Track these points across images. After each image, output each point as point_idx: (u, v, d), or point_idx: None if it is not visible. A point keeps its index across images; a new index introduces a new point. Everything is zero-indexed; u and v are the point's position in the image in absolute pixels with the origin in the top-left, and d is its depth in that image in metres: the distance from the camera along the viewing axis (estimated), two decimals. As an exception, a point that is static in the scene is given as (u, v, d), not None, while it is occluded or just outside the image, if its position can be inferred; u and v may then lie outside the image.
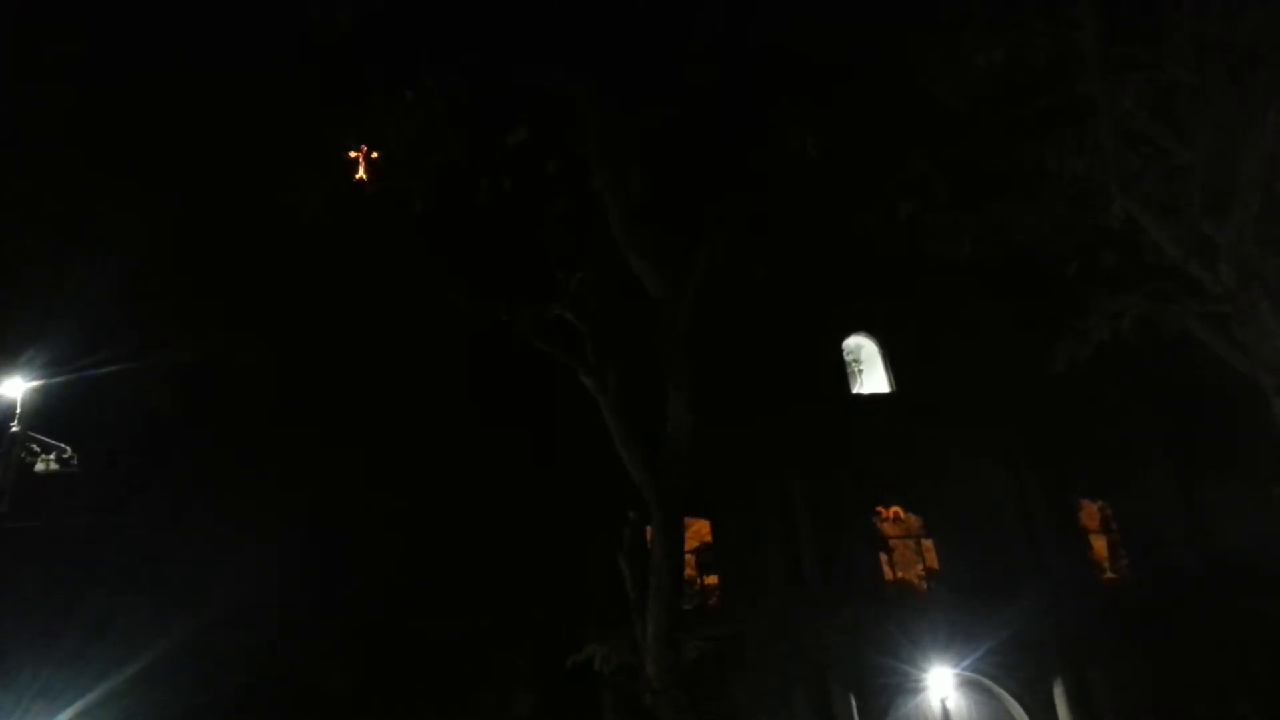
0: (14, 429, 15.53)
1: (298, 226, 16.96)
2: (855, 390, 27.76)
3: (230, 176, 19.74)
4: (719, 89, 15.99)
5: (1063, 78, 14.07)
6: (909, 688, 23.40)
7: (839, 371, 27.75)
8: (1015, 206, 15.13)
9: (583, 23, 15.65)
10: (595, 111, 16.09)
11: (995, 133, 14.94)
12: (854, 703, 22.81)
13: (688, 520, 18.39)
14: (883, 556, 25.60)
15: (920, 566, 25.69)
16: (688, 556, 20.49)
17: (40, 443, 16.35)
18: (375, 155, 18.44)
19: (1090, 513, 26.77)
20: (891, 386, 27.58)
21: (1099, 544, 26.47)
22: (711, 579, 24.85)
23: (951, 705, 23.53)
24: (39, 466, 17.21)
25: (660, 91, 16.14)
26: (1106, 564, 26.32)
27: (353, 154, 19.21)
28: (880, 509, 26.10)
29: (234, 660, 19.51)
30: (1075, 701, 23.23)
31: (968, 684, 23.75)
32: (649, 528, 16.20)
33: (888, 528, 26.11)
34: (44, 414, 16.29)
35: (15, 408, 15.57)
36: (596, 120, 16.08)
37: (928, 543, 25.86)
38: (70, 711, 18.36)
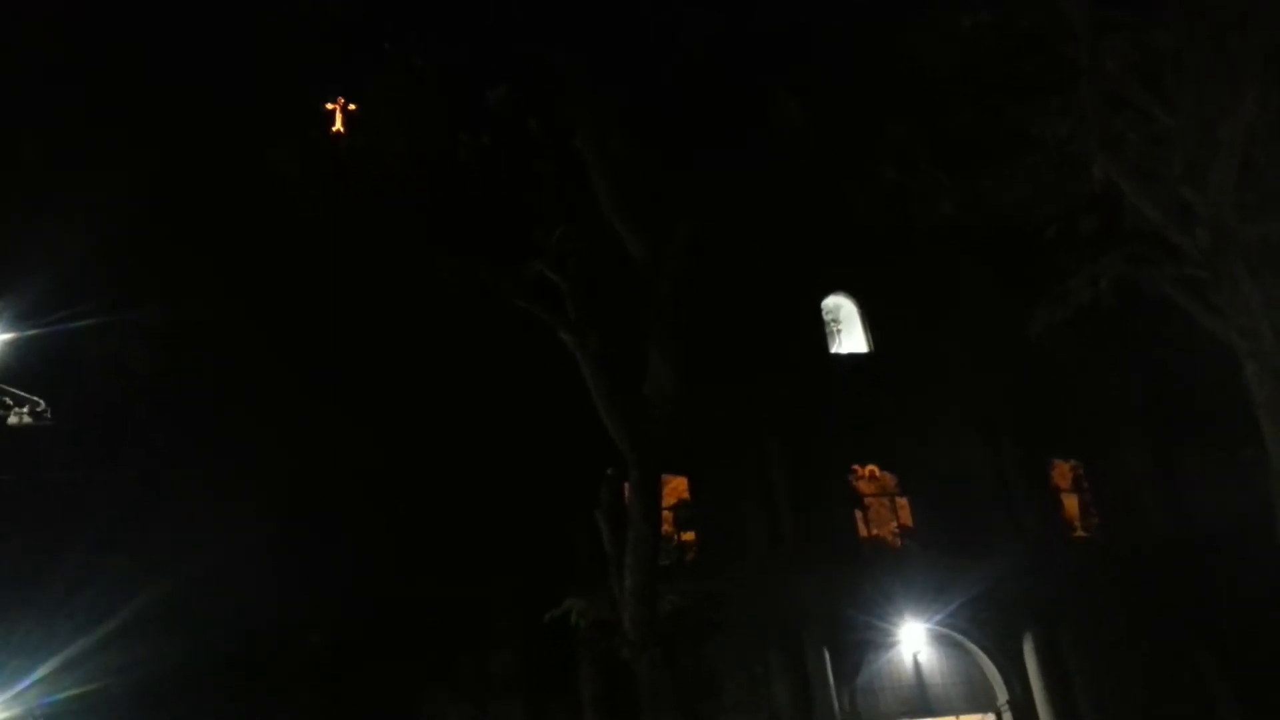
0: (-13, 382, 15.41)
1: (277, 183, 16.75)
2: (833, 350, 27.84)
3: (209, 131, 19.45)
4: (709, 56, 15.86)
5: (1047, 41, 14.02)
6: (882, 643, 23.76)
7: (818, 331, 27.80)
8: (997, 171, 15.13)
9: None
10: (580, 79, 15.91)
11: (979, 97, 14.90)
12: (827, 657, 23.16)
13: (666, 477, 18.50)
14: (858, 514, 25.86)
15: (894, 524, 25.98)
16: (665, 513, 20.67)
17: (13, 395, 16.22)
18: (353, 108, 18.21)
19: (1063, 472, 27.09)
20: (870, 346, 27.69)
21: (1070, 503, 26.80)
22: (689, 535, 25.05)
23: (923, 660, 23.99)
24: (12, 420, 17.07)
25: (650, 57, 16.01)
26: (1078, 523, 26.69)
27: (329, 106, 18.97)
28: (856, 467, 26.31)
29: (214, 620, 19.51)
30: (1044, 657, 23.66)
31: (939, 639, 24.14)
32: (627, 484, 16.27)
33: (863, 485, 26.35)
34: (17, 367, 16.14)
35: (-12, 360, 15.43)
36: (581, 87, 15.90)
37: (902, 500, 26.13)
38: (48, 666, 18.32)
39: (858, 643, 23.59)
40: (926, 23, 14.30)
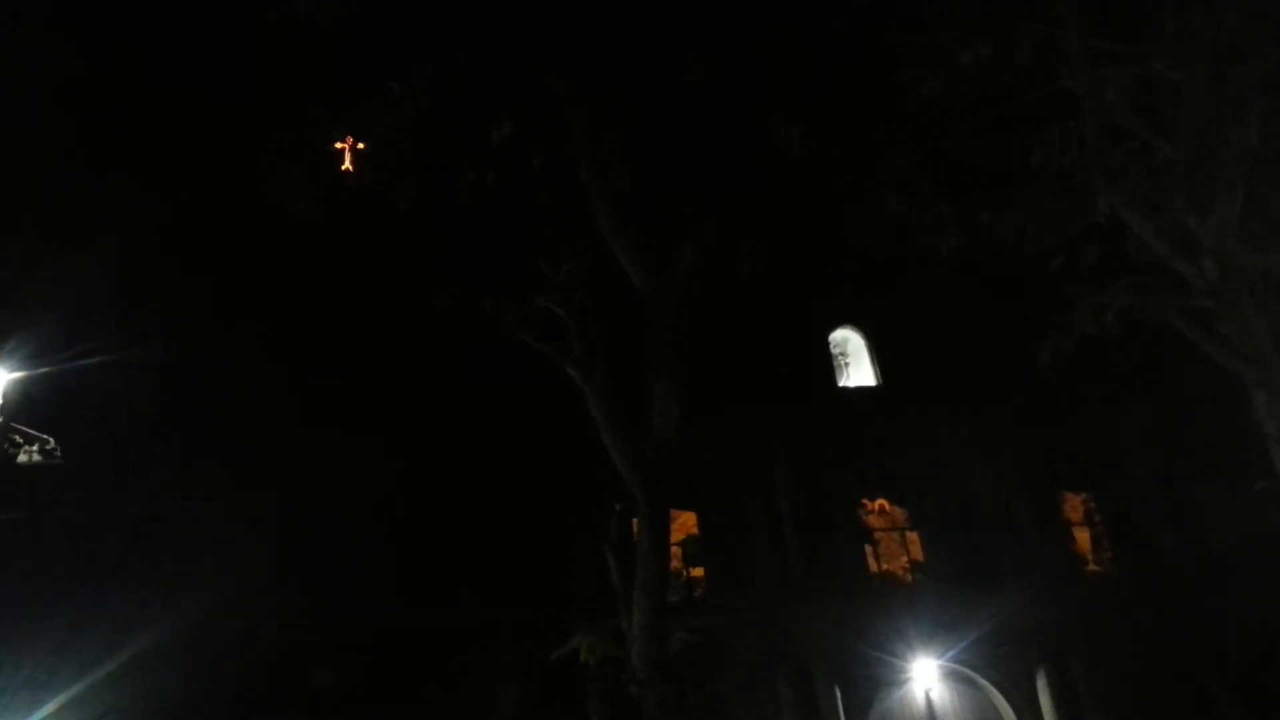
0: (-4, 420, 15.48)
1: (283, 219, 16.90)
2: (841, 383, 27.83)
3: (215, 169, 19.66)
4: (705, 85, 16.02)
5: (1047, 73, 14.12)
6: (893, 680, 23.52)
7: (825, 364, 27.81)
8: (1000, 202, 15.16)
9: (569, 20, 15.66)
10: (580, 108, 16.08)
11: (980, 128, 14.99)
12: (838, 695, 22.93)
13: (674, 512, 18.42)
14: (868, 549, 25.70)
15: (905, 559, 25.80)
16: (674, 548, 20.56)
17: (23, 434, 16.30)
18: (361, 147, 18.40)
19: (1074, 505, 26.91)
20: (877, 380, 27.66)
21: (1082, 537, 26.61)
22: (697, 571, 24.91)
23: (935, 697, 23.69)
24: (21, 458, 17.16)
25: (645, 88, 16.15)
26: (1089, 557, 26.46)
27: (338, 145, 19.18)
28: (865, 501, 26.19)
29: (219, 653, 19.48)
30: (1058, 693, 23.40)
31: (951, 676, 23.89)
32: (635, 519, 16.21)
33: (873, 520, 26.20)
34: (26, 405, 16.22)
35: (-3, 399, 15.50)
36: (582, 117, 16.07)
37: (912, 535, 25.96)
38: (55, 703, 18.29)
39: (869, 679, 23.35)
40: (926, 56, 14.41)
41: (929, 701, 23.58)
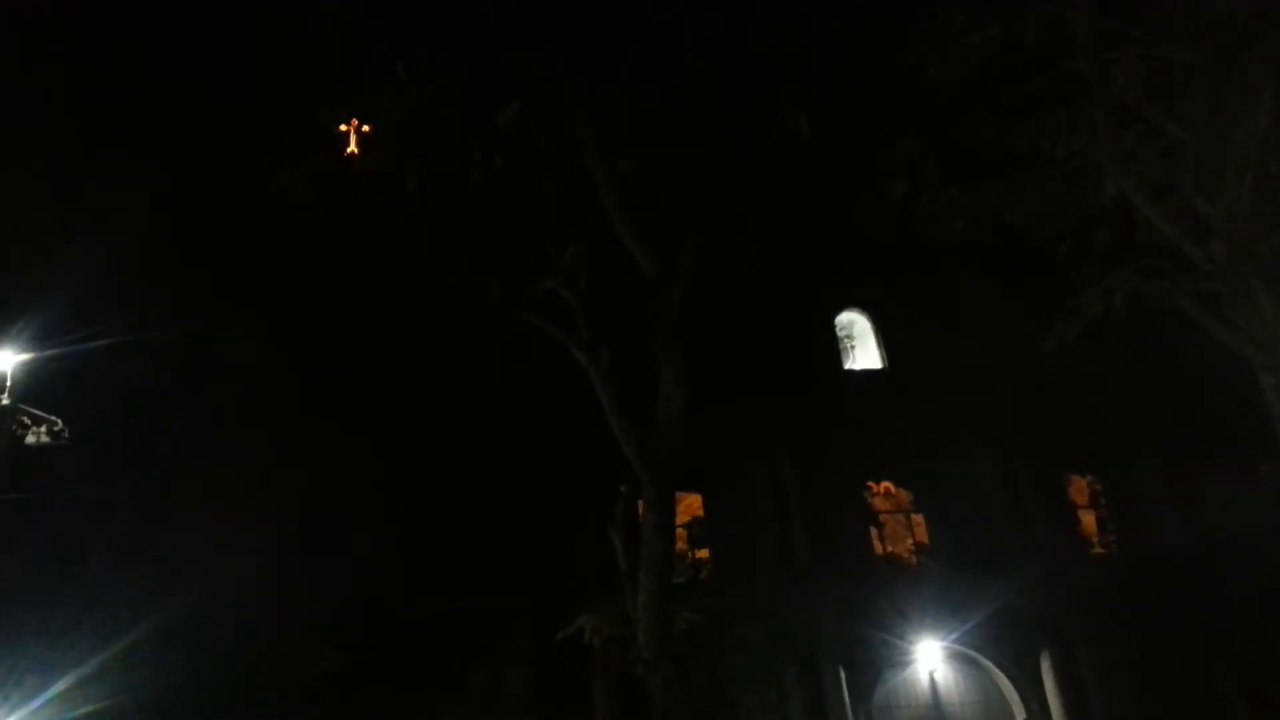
0: (4, 401, 15.55)
1: (289, 204, 16.89)
2: (847, 366, 27.81)
3: (221, 153, 19.66)
4: (712, 70, 15.97)
5: (1055, 56, 14.04)
6: (897, 661, 23.60)
7: (831, 347, 27.78)
8: (1008, 186, 15.10)
9: (568, 21, 15.63)
10: (585, 95, 16.03)
11: (988, 112, 14.92)
12: (843, 675, 23.00)
13: (680, 494, 18.51)
14: (873, 531, 25.74)
15: (910, 541, 25.85)
16: (679, 530, 20.64)
17: (31, 415, 16.35)
18: (366, 129, 18.37)
19: (1079, 488, 26.91)
20: (884, 363, 27.62)
21: (1088, 520, 26.61)
22: (703, 553, 25.00)
23: (939, 678, 23.79)
24: (30, 439, 17.20)
25: (652, 74, 16.12)
26: (1095, 539, 26.49)
27: (343, 127, 19.16)
28: (871, 484, 26.22)
29: (227, 637, 19.61)
30: (1062, 675, 23.44)
31: (956, 657, 23.96)
32: (640, 501, 16.25)
33: (878, 502, 26.24)
34: (35, 387, 16.29)
35: (5, 380, 15.59)
36: (587, 103, 16.02)
37: (918, 518, 26.00)
38: (62, 685, 18.44)
39: (873, 661, 23.43)
40: (933, 39, 14.33)
41: (933, 683, 23.66)
